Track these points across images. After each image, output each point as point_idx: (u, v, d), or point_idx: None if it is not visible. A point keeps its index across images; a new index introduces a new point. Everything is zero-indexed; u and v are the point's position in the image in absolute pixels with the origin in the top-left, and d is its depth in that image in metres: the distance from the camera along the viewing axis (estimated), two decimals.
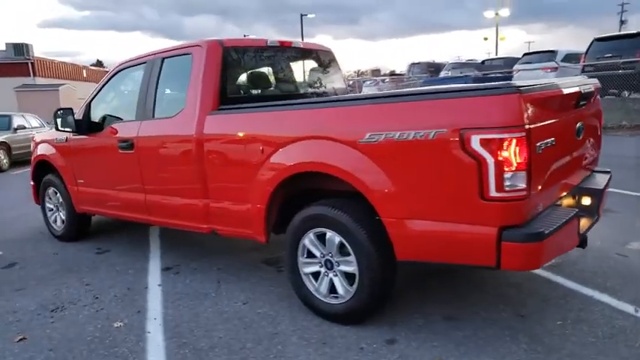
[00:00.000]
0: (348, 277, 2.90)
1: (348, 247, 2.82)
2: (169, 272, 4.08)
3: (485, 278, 3.54)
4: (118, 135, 4.13)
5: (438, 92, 2.49)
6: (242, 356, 2.72)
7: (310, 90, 4.34)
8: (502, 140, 2.22)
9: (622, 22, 57.58)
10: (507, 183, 2.25)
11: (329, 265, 2.98)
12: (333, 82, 4.57)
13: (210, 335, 2.97)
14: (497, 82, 2.41)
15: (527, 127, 2.23)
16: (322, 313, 3.05)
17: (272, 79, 4.05)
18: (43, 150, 5.15)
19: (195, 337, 2.95)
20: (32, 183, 5.50)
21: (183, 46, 3.84)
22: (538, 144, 2.34)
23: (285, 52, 4.15)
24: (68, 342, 3.00)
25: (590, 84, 3.06)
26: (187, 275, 3.98)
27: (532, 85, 2.35)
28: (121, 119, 4.28)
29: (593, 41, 15.46)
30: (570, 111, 2.77)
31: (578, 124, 2.86)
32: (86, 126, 4.44)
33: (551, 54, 16.84)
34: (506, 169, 2.24)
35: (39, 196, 5.47)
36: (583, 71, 15.05)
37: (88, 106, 4.49)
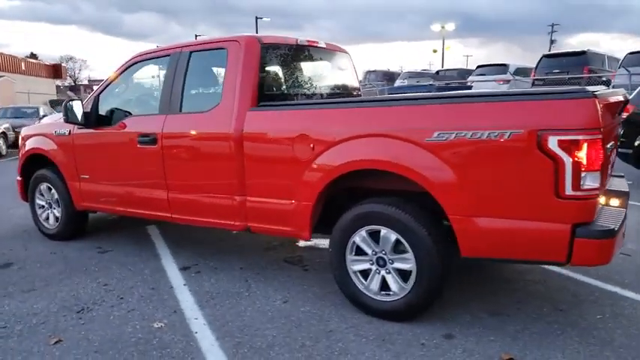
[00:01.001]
0: (402, 275, 2.94)
1: (406, 244, 2.85)
2: (189, 272, 3.95)
3: (507, 276, 3.69)
4: (136, 129, 3.96)
5: (513, 95, 2.59)
6: (305, 354, 2.68)
7: (334, 89, 4.35)
8: (581, 141, 2.34)
9: (552, 42, 61.44)
10: (583, 182, 2.38)
11: (381, 263, 3.00)
12: (352, 82, 4.61)
13: (263, 334, 2.91)
14: (571, 87, 2.53)
15: (602, 129, 2.36)
16: (372, 310, 3.06)
17: (302, 77, 4.02)
18: (36, 143, 4.84)
19: (248, 336, 2.89)
20: (19, 178, 5.15)
21: (214, 40, 3.74)
22: (607, 146, 2.48)
23: (311, 52, 4.14)
24: (111, 343, 2.84)
25: (622, 95, 3.28)
26: (210, 275, 3.87)
27: (601, 92, 2.49)
28: (138, 113, 4.11)
29: (542, 57, 16.42)
30: (615, 117, 2.95)
31: (617, 130, 3.06)
32: (96, 119, 4.22)
33: (503, 67, 17.73)
34: (582, 169, 2.36)
35: (27, 193, 5.13)
36: (533, 84, 15.96)
37: (97, 99, 4.27)
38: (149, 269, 4.03)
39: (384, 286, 3.01)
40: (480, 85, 16.61)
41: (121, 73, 4.27)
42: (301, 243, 4.65)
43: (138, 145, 3.93)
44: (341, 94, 4.40)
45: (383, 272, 3.00)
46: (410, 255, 2.85)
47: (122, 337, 2.91)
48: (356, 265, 3.09)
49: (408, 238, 2.84)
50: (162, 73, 3.99)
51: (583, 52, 15.08)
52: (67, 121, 4.19)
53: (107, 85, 4.32)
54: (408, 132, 2.76)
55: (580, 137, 2.35)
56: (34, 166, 4.99)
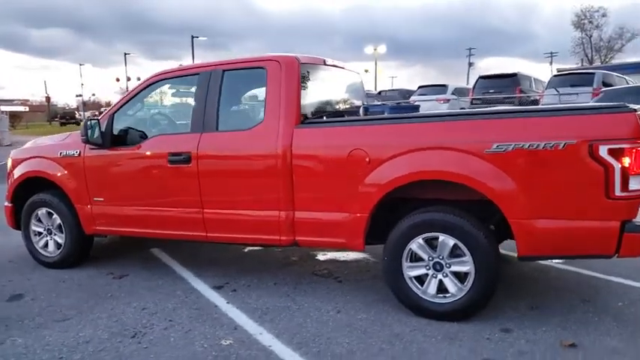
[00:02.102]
0: (458, 277, 3.17)
1: (464, 248, 3.10)
2: (225, 291, 3.94)
3: (526, 275, 4.05)
4: (165, 148, 3.92)
5: (565, 110, 2.95)
6: (388, 356, 2.83)
7: (352, 105, 4.56)
8: (628, 150, 2.72)
9: (470, 64, 66.14)
10: (630, 184, 2.76)
11: (438, 267, 3.22)
12: (363, 100, 4.85)
13: (337, 342, 3.01)
14: (614, 103, 2.92)
15: None
16: (429, 313, 3.26)
17: (330, 94, 4.21)
18: (35, 166, 4.59)
19: (324, 345, 2.98)
20: (9, 204, 4.83)
21: (250, 59, 3.84)
22: None
23: (334, 71, 4.34)
24: None
25: None
26: (248, 292, 3.88)
27: (636, 107, 2.90)
28: (163, 132, 4.08)
29: (478, 79, 17.75)
30: None
31: None
32: (114, 139, 4.13)
33: (443, 87, 18.88)
34: (629, 173, 2.74)
35: (16, 219, 4.83)
36: (472, 104, 17.17)
37: (112, 118, 4.18)
38: (180, 291, 3.97)
39: (440, 289, 3.23)
40: (423, 105, 17.55)
41: (139, 92, 4.22)
42: (320, 257, 4.77)
43: (168, 165, 3.89)
44: (356, 110, 4.62)
45: (440, 276, 3.22)
46: (468, 258, 3.10)
47: (196, 357, 2.90)
48: (412, 272, 3.29)
49: (467, 243, 3.09)
50: (190, 91, 4.00)
51: (514, 74, 16.47)
52: (86, 141, 4.06)
53: (123, 105, 4.24)
54: (467, 144, 3.02)
55: (626, 146, 2.73)
56: (27, 191, 4.73)
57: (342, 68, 4.46)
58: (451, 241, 3.13)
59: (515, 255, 3.07)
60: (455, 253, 3.16)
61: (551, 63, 58.92)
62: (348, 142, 3.37)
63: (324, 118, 3.88)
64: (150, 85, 4.20)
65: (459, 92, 19.01)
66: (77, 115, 55.66)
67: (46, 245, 4.70)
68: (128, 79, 53.31)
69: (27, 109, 63.60)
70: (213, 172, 3.78)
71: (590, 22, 52.84)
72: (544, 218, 2.93)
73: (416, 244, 3.24)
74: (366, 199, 3.31)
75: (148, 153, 4.01)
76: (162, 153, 3.93)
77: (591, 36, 53.23)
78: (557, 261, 4.30)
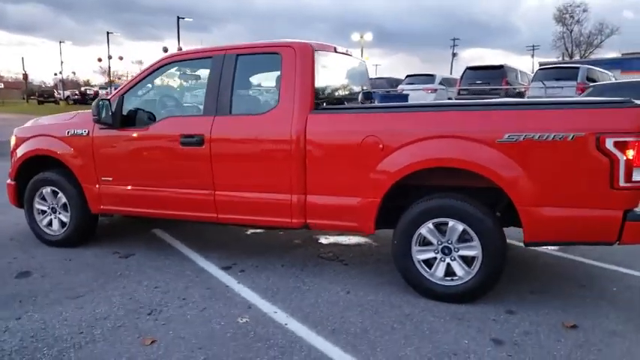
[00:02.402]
0: (465, 261, 3.31)
1: (473, 233, 3.24)
2: (234, 271, 4.02)
3: (525, 261, 4.23)
4: (177, 130, 3.96)
5: (575, 103, 3.08)
6: (401, 335, 2.95)
7: (358, 92, 4.63)
8: (632, 143, 2.87)
9: (454, 55, 66.70)
10: (634, 175, 2.91)
11: (446, 251, 3.35)
12: (368, 87, 4.92)
13: (350, 321, 3.13)
14: (619, 98, 3.06)
15: None
16: (437, 295, 3.39)
17: (339, 80, 4.28)
18: (41, 144, 4.58)
19: (337, 324, 3.09)
20: (12, 182, 4.81)
21: (264, 45, 3.88)
22: None
23: (343, 59, 4.40)
24: (209, 339, 2.90)
25: None
26: (257, 273, 3.97)
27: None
28: (174, 114, 4.10)
29: (465, 69, 17.94)
30: None
31: None
32: (123, 120, 4.15)
33: (430, 77, 19.06)
34: (633, 165, 2.90)
35: (19, 197, 4.81)
36: (459, 94, 17.38)
37: (121, 99, 4.18)
38: (189, 271, 4.04)
39: (448, 272, 3.37)
40: (412, 94, 17.70)
41: (150, 74, 4.23)
42: (323, 240, 4.88)
43: (180, 147, 3.93)
44: (362, 95, 4.69)
45: (448, 260, 3.35)
46: (476, 243, 3.24)
47: (215, 334, 2.98)
48: (421, 255, 3.41)
49: (476, 228, 3.22)
50: (203, 75, 4.03)
51: (501, 66, 16.72)
52: (98, 121, 4.07)
53: (133, 86, 4.24)
54: (480, 133, 3.14)
55: (631, 139, 2.88)
56: (30, 169, 4.72)
57: (350, 55, 4.53)
58: (460, 227, 3.26)
59: (514, 242, 3.20)
60: (463, 237, 3.29)
61: (532, 56, 59.85)
62: (362, 128, 3.46)
63: (336, 103, 3.96)
64: (161, 66, 4.21)
65: (447, 82, 19.22)
66: (56, 94, 54.40)
67: (49, 224, 4.71)
68: (109, 57, 52.29)
69: (1, 85, 61.95)
70: (226, 154, 3.84)
71: (572, 16, 53.92)
72: (551, 206, 3.07)
73: (426, 229, 3.36)
74: (379, 185, 3.41)
75: (159, 134, 4.05)
76: (174, 135, 3.96)
77: (572, 30, 54.34)
78: (552, 248, 4.49)
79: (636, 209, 2.98)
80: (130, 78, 4.37)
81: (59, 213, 4.65)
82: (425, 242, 3.40)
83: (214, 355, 2.74)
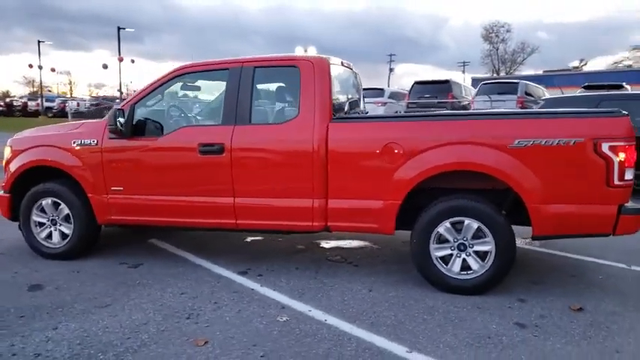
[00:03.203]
0: (479, 256, 3.65)
1: (487, 230, 3.58)
2: (251, 275, 4.13)
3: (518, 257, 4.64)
4: (196, 139, 4.05)
5: (576, 113, 3.51)
6: (434, 324, 3.22)
7: (358, 99, 4.90)
8: (624, 146, 3.33)
9: (391, 70, 69.16)
10: (626, 175, 3.37)
11: (462, 248, 3.67)
12: (361, 96, 5.19)
13: (385, 315, 3.36)
14: (611, 109, 3.51)
15: (634, 138, 3.39)
16: (452, 288, 3.69)
17: (344, 91, 4.53)
18: (44, 155, 4.49)
19: (373, 317, 3.31)
20: (7, 194, 4.66)
21: (282, 58, 4.08)
22: None
23: (347, 71, 4.67)
24: (259, 337, 3.03)
25: None
26: (275, 276, 4.11)
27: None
28: (189, 124, 4.19)
29: (414, 84, 18.80)
30: None
31: None
32: (135, 129, 4.19)
33: (380, 91, 19.78)
34: (624, 165, 3.35)
35: (13, 210, 4.67)
36: (408, 107, 18.18)
37: (132, 109, 4.22)
38: (208, 277, 4.11)
39: (463, 267, 3.68)
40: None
41: (163, 84, 4.30)
42: (324, 244, 5.08)
43: (199, 155, 4.03)
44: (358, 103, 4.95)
45: (463, 255, 3.67)
46: (489, 239, 3.58)
47: (261, 332, 3.11)
48: (438, 252, 3.71)
49: (489, 225, 3.56)
50: (219, 86, 4.16)
51: (447, 81, 17.71)
52: (114, 130, 4.08)
53: (145, 96, 4.29)
54: (493, 139, 3.50)
55: (622, 143, 3.34)
56: (25, 181, 4.61)
57: (350, 68, 4.81)
58: (475, 224, 3.60)
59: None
60: (477, 234, 3.62)
61: (463, 72, 63.19)
62: (383, 135, 3.73)
63: (346, 113, 4.22)
64: (175, 77, 4.29)
65: (395, 96, 20.02)
66: None
67: (49, 236, 4.60)
68: (40, 67, 49.75)
69: None
70: (247, 162, 3.98)
71: (497, 35, 57.92)
72: (556, 203, 3.48)
73: (443, 228, 3.67)
74: (400, 188, 3.68)
75: (176, 143, 4.12)
76: (192, 143, 4.05)
77: (497, 48, 58.27)
78: (536, 244, 4.95)
79: (627, 204, 3.44)
80: (142, 87, 4.38)
81: (60, 225, 4.56)
82: (442, 240, 3.70)
83: (271, 351, 2.87)
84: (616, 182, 3.37)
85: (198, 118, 4.52)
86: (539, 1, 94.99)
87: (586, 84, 16.09)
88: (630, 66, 49.60)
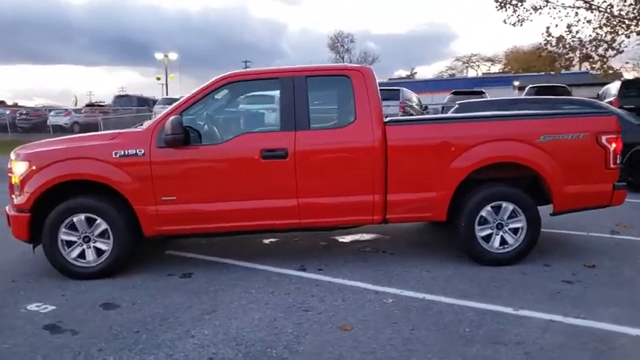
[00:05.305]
0: (513, 232, 4.44)
1: (519, 210, 4.39)
2: (312, 271, 4.38)
3: None
4: (257, 145, 4.21)
5: (584, 113, 4.48)
6: (510, 289, 3.89)
7: None
8: (616, 138, 4.39)
9: None
10: (617, 160, 4.43)
11: (499, 227, 4.43)
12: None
13: (462, 287, 3.95)
14: (605, 109, 4.54)
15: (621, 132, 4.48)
16: (494, 261, 4.42)
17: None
18: (77, 168, 4.18)
19: (460, 290, 3.88)
20: (26, 214, 4.23)
21: (333, 68, 4.51)
22: None
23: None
24: (388, 318, 3.40)
25: None
26: (336, 269, 4.41)
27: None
28: (244, 130, 4.32)
29: None
30: None
31: None
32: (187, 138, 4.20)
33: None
34: (617, 153, 4.42)
35: (31, 231, 4.27)
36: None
37: (181, 117, 4.22)
38: (277, 277, 4.27)
39: (501, 242, 4.44)
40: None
41: (210, 92, 4.35)
42: (341, 239, 5.48)
43: (261, 160, 4.20)
44: None
45: (501, 233, 4.43)
46: (521, 217, 4.39)
47: (387, 313, 3.48)
48: (482, 232, 4.42)
49: (522, 206, 4.38)
50: (271, 94, 4.36)
51: (397, 90, 18.71)
52: (173, 139, 4.03)
53: (193, 104, 4.30)
54: (525, 136, 4.32)
55: (614, 136, 4.40)
56: (52, 197, 4.27)
57: None
58: (511, 206, 4.38)
59: None
60: (511, 215, 4.41)
61: None
62: (437, 135, 4.33)
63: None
64: (222, 85, 4.36)
65: None
66: None
67: (81, 255, 4.30)
68: None
69: None
70: (310, 164, 4.25)
71: (342, 45, 62.08)
72: (571, 184, 4.41)
73: (485, 211, 4.39)
74: (453, 179, 4.31)
75: (238, 150, 4.22)
76: (255, 149, 4.20)
77: (343, 57, 62.50)
78: None
79: (616, 183, 4.53)
80: (187, 95, 4.37)
81: (94, 242, 4.30)
82: (483, 222, 4.41)
83: (414, 326, 3.27)
84: (611, 165, 4.41)
85: (252, 125, 4.62)
86: (367, 13, 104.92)
87: (454, 90, 18.48)
88: (453, 75, 57.50)
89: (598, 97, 15.41)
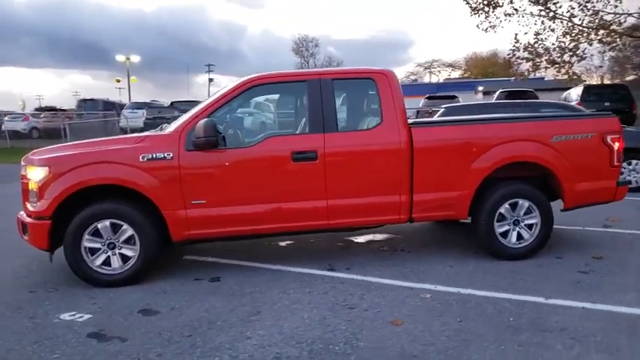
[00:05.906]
0: (529, 227, 4.67)
1: (534, 207, 4.62)
2: (339, 271, 4.45)
3: None
4: (287, 147, 4.25)
5: (591, 115, 4.76)
6: (534, 280, 4.09)
7: None
8: (618, 138, 4.71)
9: (210, 80, 69.28)
10: (621, 158, 4.75)
11: (516, 223, 4.65)
12: None
13: (489, 280, 4.12)
14: (609, 112, 4.85)
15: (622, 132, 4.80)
16: (511, 255, 4.63)
17: None
18: (105, 173, 4.08)
19: (488, 283, 4.04)
20: (46, 221, 4.10)
21: (358, 71, 4.57)
22: None
23: None
24: (432, 311, 3.52)
25: None
26: (363, 269, 4.49)
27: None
28: (272, 133, 4.35)
29: None
30: None
31: None
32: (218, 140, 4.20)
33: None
34: (620, 151, 4.73)
35: (52, 238, 4.15)
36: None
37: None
38: (309, 277, 4.31)
39: (518, 237, 4.66)
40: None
41: (235, 95, 4.36)
42: (355, 240, 5.58)
43: (292, 162, 4.24)
44: None
45: (517, 229, 4.65)
46: (536, 213, 4.62)
47: (428, 306, 3.60)
48: (500, 229, 4.62)
49: (536, 203, 4.61)
50: (297, 97, 4.41)
51: None
52: (206, 143, 4.02)
53: (219, 107, 4.30)
54: (539, 137, 4.56)
55: (618, 136, 4.71)
56: (75, 202, 4.16)
57: None
58: (527, 203, 4.60)
59: None
60: (527, 211, 4.63)
61: None
62: (459, 136, 4.50)
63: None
64: (248, 88, 4.38)
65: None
66: None
67: (106, 262, 4.20)
68: None
69: None
70: (340, 165, 4.33)
71: (307, 49, 62.54)
72: (581, 182, 4.68)
73: (504, 209, 4.59)
74: (475, 178, 4.49)
75: (269, 152, 4.25)
76: (286, 152, 4.24)
77: (308, 62, 62.93)
78: None
79: (619, 180, 4.84)
80: (212, 99, 4.37)
81: (119, 248, 4.21)
82: (501, 219, 4.62)
83: (461, 318, 3.40)
84: (615, 163, 4.72)
85: (281, 127, 4.64)
86: (327, 18, 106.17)
87: (428, 95, 19.02)
88: (416, 80, 59.04)
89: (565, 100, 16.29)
